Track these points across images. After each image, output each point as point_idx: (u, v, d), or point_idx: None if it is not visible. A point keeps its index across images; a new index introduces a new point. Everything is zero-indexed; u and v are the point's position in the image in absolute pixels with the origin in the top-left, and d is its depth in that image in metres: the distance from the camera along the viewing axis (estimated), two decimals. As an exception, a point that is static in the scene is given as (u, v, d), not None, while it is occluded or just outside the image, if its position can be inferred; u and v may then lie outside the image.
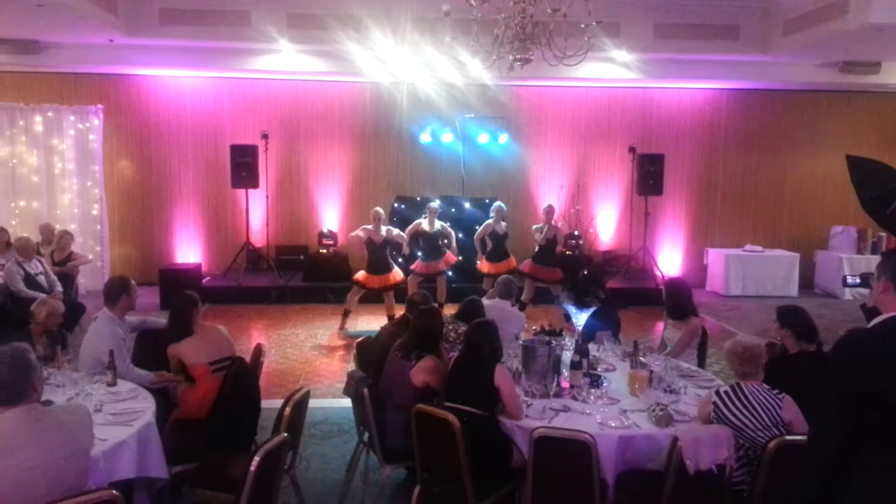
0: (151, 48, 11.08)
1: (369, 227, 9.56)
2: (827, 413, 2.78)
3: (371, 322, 9.84)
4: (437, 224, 10.13)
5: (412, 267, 10.24)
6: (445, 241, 10.24)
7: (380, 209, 9.80)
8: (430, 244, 10.20)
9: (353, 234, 9.77)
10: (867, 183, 9.04)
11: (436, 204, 10.43)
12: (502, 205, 10.61)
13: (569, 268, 10.28)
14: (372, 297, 9.86)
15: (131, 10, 10.23)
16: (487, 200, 11.14)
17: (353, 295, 9.72)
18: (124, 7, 10.07)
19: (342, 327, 9.71)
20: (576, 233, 12.48)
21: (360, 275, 9.65)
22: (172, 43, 10.82)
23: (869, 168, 9.16)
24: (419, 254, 10.36)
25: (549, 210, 10.42)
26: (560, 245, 10.61)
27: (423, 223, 10.13)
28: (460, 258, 11.19)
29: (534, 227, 10.59)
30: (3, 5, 8.77)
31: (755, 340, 4.08)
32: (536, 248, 10.37)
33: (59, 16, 9.05)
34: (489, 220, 10.44)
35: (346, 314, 9.75)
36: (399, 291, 9.89)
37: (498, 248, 10.45)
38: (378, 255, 9.58)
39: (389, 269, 9.66)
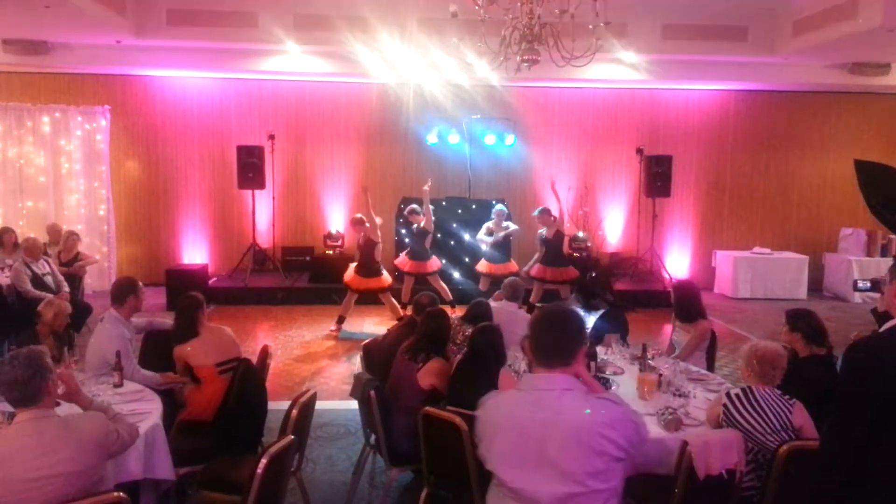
0: (159, 49, 11.08)
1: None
2: (840, 420, 2.75)
3: (377, 324, 9.82)
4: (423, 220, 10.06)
5: (398, 264, 10.19)
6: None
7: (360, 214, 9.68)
8: (416, 243, 10.15)
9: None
10: (875, 187, 9.00)
11: (414, 206, 10.27)
12: (502, 207, 10.52)
13: (577, 270, 10.19)
14: (371, 299, 9.79)
15: (139, 11, 10.23)
16: (494, 202, 11.09)
17: (349, 299, 9.66)
18: (132, 8, 10.08)
19: (335, 330, 9.64)
20: (580, 234, 12.38)
21: (349, 276, 9.57)
22: (180, 44, 10.81)
23: (877, 172, 9.12)
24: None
25: (544, 212, 10.17)
26: (566, 245, 10.44)
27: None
28: (467, 260, 11.18)
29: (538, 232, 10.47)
30: (11, 6, 8.78)
31: (777, 346, 4.05)
32: (543, 251, 10.27)
33: (66, 17, 9.05)
34: (489, 223, 10.46)
35: (340, 320, 9.68)
36: (393, 293, 9.84)
37: (497, 249, 10.39)
38: (367, 257, 9.48)
39: (378, 274, 9.53)
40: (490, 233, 10.45)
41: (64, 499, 2.90)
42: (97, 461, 3.09)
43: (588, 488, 2.51)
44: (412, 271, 10.09)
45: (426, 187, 10.02)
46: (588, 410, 2.55)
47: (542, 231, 10.09)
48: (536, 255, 10.23)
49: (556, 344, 2.65)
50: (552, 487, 2.52)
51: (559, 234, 10.02)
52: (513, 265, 10.34)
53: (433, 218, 10.06)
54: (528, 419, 2.58)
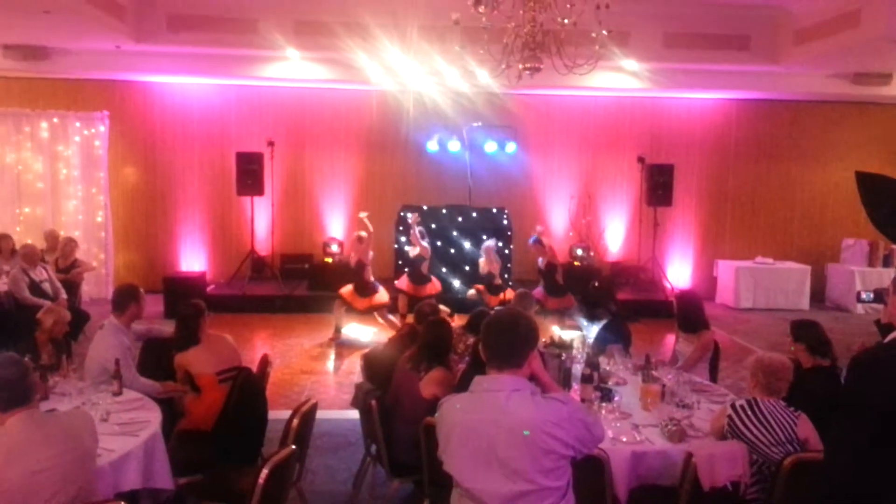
0: (158, 55, 11.06)
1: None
2: (843, 432, 2.73)
3: (376, 333, 9.75)
4: (417, 248, 9.87)
5: (398, 285, 10.06)
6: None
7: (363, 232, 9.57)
8: (413, 268, 10.05)
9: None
10: (877, 199, 8.97)
11: (417, 222, 9.99)
12: (489, 244, 10.02)
13: (579, 280, 10.02)
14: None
15: (139, 17, 10.20)
16: (495, 210, 11.01)
17: (338, 310, 9.60)
18: (132, 13, 10.04)
19: (333, 339, 9.58)
20: (579, 253, 12.31)
21: (347, 291, 9.51)
22: (179, 50, 10.79)
23: (878, 184, 9.08)
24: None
25: (536, 243, 9.79)
26: (559, 272, 10.02)
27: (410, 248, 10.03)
28: (467, 268, 11.09)
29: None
30: (10, 12, 8.75)
31: (783, 357, 4.02)
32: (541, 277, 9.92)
33: (66, 22, 9.04)
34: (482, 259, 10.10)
35: (338, 329, 9.63)
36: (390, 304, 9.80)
37: (489, 285, 10.03)
38: (359, 278, 9.45)
39: (375, 291, 9.53)
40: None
41: (67, 489, 2.95)
42: (94, 446, 3.20)
43: (539, 486, 2.57)
44: (410, 293, 9.96)
45: (362, 215, 9.77)
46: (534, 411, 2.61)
47: (539, 261, 9.95)
48: None
49: (506, 347, 2.71)
50: (504, 486, 2.59)
51: (551, 266, 9.74)
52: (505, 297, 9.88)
53: (425, 243, 9.89)
54: (478, 420, 2.65)
